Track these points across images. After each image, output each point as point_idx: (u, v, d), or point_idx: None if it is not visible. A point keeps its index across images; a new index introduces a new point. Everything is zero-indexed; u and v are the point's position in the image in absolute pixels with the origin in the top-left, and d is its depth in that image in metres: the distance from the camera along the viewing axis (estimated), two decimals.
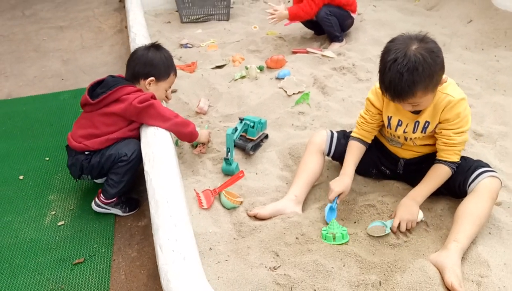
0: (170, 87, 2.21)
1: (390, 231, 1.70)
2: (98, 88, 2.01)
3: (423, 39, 1.55)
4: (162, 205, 1.57)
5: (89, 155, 1.99)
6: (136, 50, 2.17)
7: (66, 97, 3.13)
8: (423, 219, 1.74)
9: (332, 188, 1.81)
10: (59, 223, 2.06)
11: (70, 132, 2.09)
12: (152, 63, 2.09)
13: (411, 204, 1.71)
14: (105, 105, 1.98)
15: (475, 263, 1.56)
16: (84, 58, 3.78)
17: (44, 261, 1.87)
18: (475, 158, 1.85)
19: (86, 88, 2.03)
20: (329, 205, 1.82)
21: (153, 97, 2.02)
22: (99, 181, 2.31)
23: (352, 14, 3.44)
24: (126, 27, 4.29)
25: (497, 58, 3.08)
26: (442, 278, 1.48)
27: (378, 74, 1.62)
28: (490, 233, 1.69)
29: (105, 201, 2.07)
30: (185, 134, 2.07)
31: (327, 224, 1.78)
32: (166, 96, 2.23)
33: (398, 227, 1.70)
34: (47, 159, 2.51)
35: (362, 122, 1.90)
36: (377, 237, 1.70)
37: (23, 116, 2.96)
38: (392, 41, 1.59)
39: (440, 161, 1.74)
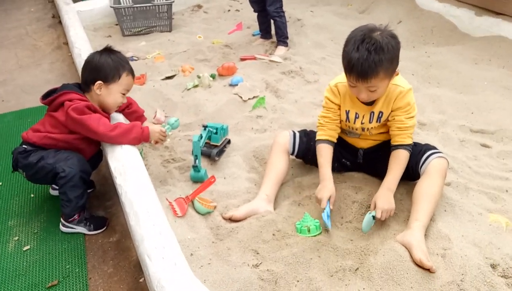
0: (127, 90, 2.11)
1: (374, 221, 1.78)
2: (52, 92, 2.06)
3: (384, 29, 1.70)
4: (142, 215, 1.58)
5: (29, 151, 1.98)
6: (87, 57, 2.13)
7: (10, 119, 2.98)
8: None
9: (320, 197, 1.82)
10: (25, 248, 1.97)
11: None
12: (97, 67, 2.04)
13: (387, 194, 1.79)
14: (52, 109, 2.01)
15: (437, 238, 1.71)
16: (23, 77, 3.62)
17: (14, 288, 1.79)
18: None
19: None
20: (323, 213, 1.82)
21: (89, 107, 1.96)
22: (54, 193, 2.26)
23: None
24: (64, 43, 4.16)
25: (427, 54, 3.37)
26: (410, 255, 1.62)
27: (343, 56, 1.72)
28: (445, 210, 1.86)
29: (65, 220, 2.02)
30: (130, 142, 2.00)
31: (328, 230, 1.81)
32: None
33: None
34: (0, 183, 2.39)
35: (327, 122, 1.97)
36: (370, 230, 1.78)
37: None
38: (355, 30, 1.72)
39: (397, 146, 1.87)
